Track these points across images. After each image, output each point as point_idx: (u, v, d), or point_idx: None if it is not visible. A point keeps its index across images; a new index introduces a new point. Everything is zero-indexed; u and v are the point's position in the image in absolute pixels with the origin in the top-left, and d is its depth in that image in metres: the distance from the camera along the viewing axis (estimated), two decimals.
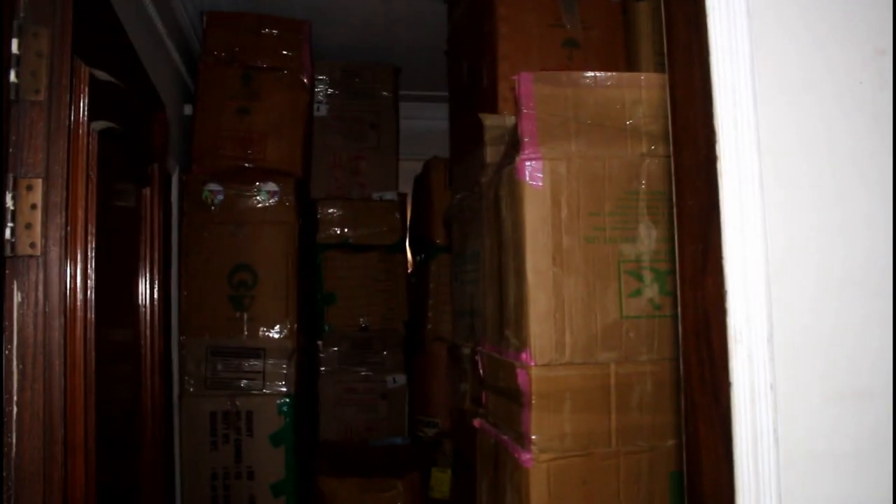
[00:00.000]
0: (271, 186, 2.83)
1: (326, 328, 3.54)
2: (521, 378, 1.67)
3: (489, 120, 2.11)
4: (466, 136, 2.55)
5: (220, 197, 2.80)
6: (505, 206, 1.80)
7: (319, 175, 3.58)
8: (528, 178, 1.68)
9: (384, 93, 3.68)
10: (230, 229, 2.80)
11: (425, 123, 4.59)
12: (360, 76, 3.66)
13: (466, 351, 2.50)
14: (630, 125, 1.75)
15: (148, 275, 1.59)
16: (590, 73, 1.75)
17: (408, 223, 3.85)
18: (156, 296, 1.64)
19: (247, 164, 2.87)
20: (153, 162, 1.65)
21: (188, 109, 3.02)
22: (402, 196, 3.76)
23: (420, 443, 3.57)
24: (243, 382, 2.77)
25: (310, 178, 3.41)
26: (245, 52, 2.92)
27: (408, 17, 3.28)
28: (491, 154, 2.08)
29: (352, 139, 3.64)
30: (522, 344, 1.68)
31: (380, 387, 3.58)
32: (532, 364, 1.64)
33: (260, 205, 2.82)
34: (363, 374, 3.57)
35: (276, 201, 2.82)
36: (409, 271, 3.84)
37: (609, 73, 1.77)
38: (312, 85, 3.03)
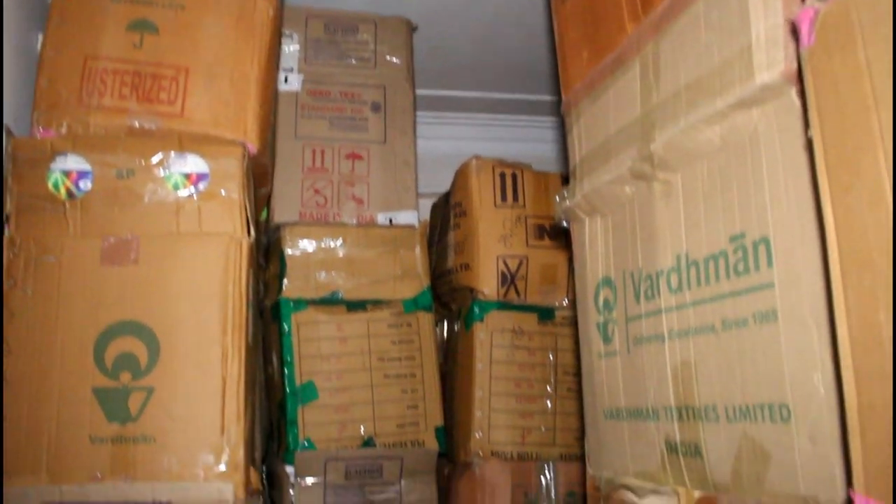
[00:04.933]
0: (195, 164, 1.39)
1: (301, 444, 2.02)
2: None
3: None
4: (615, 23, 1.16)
5: (87, 183, 1.35)
6: None
7: (287, 185, 2.15)
8: None
9: (393, 59, 2.30)
10: (104, 248, 1.34)
11: (442, 145, 3.17)
12: (355, 33, 2.29)
13: (652, 500, 1.05)
14: None
15: None
16: None
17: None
18: None
19: (145, 124, 1.43)
20: None
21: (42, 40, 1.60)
22: (423, 225, 2.33)
23: None
24: None
25: (271, 176, 1.97)
26: None
27: None
28: None
29: (342, 128, 2.22)
30: None
31: None
32: None
33: (171, 198, 1.37)
34: None
35: (205, 191, 1.38)
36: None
37: None
38: None
